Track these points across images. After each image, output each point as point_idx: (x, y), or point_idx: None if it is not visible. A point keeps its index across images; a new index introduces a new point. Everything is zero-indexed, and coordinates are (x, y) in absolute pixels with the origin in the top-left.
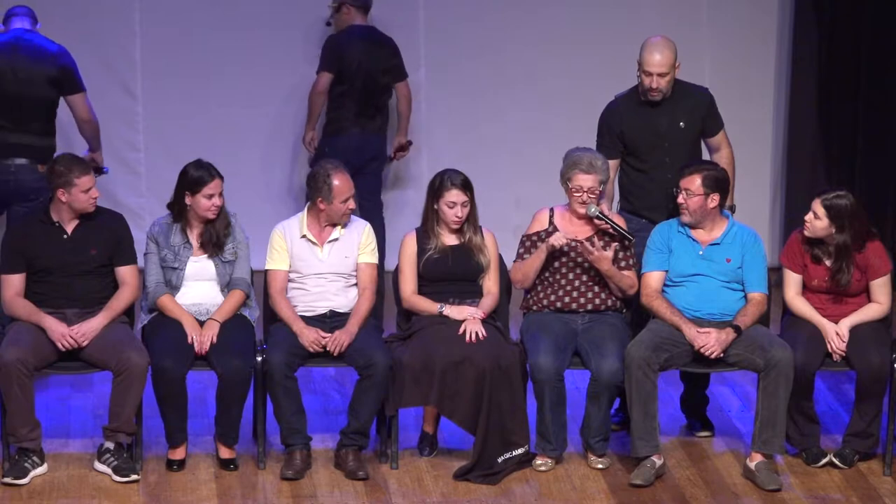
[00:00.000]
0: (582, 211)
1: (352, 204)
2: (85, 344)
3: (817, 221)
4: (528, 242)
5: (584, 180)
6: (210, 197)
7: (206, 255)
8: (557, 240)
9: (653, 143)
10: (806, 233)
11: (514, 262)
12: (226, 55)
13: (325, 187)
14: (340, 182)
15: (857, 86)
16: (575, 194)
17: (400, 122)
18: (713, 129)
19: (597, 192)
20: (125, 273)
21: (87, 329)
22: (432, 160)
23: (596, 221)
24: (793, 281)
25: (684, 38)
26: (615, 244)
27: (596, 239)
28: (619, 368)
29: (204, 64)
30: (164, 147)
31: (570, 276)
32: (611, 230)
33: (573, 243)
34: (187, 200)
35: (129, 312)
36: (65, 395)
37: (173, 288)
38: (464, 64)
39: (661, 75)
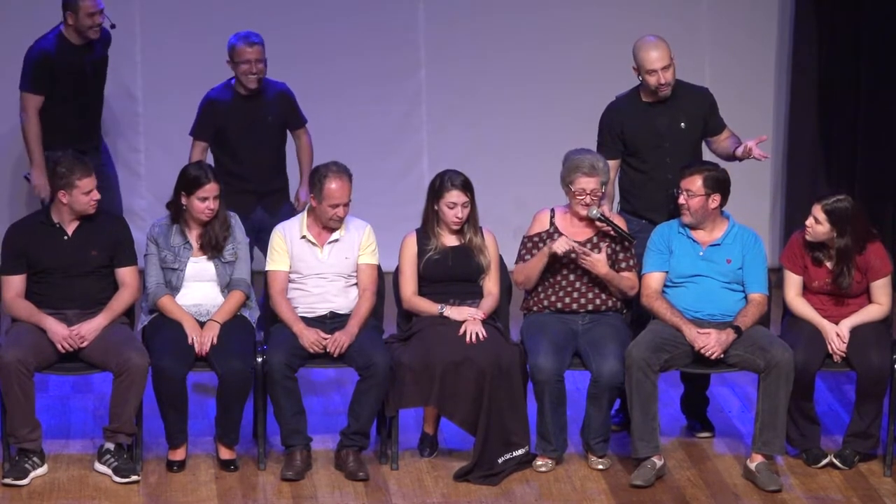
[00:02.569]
0: (584, 213)
1: (341, 212)
2: (85, 345)
3: (818, 226)
4: (530, 244)
5: (587, 183)
6: (204, 200)
7: (205, 256)
8: (560, 247)
9: (653, 143)
10: (807, 237)
11: (516, 263)
12: (226, 56)
13: (319, 186)
14: (334, 186)
15: (858, 87)
16: (577, 197)
17: None
18: (717, 128)
19: (599, 193)
20: (125, 274)
21: (87, 329)
22: (432, 161)
23: (597, 223)
24: (793, 282)
25: (684, 39)
26: (607, 244)
27: (577, 247)
28: (619, 369)
29: (204, 64)
30: (165, 148)
31: (571, 276)
32: (612, 232)
33: (576, 246)
34: (183, 200)
35: (129, 313)
36: (65, 396)
37: (173, 289)
38: (464, 64)
39: (665, 68)
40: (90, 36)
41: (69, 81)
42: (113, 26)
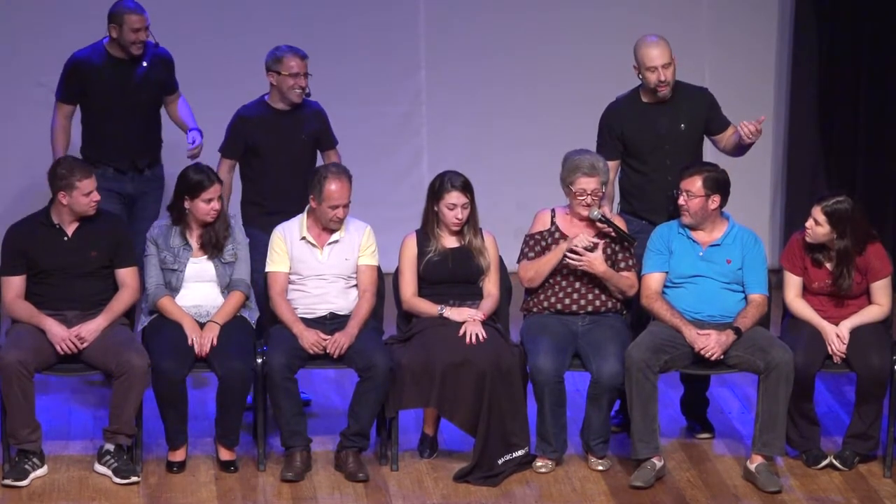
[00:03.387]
0: (585, 213)
1: (340, 213)
2: (85, 346)
3: (818, 228)
4: (532, 241)
5: (588, 183)
6: (209, 201)
7: (205, 257)
8: (581, 241)
9: (653, 144)
10: (807, 239)
11: (521, 261)
12: (227, 57)
13: (318, 187)
14: (334, 187)
15: (858, 86)
16: (579, 198)
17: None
18: (721, 126)
19: (600, 193)
20: (125, 275)
21: (87, 331)
22: (432, 162)
23: (598, 224)
24: (793, 283)
25: (684, 38)
26: (606, 243)
27: (568, 255)
28: (619, 370)
29: (205, 66)
30: (166, 150)
31: (571, 277)
32: (612, 233)
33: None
34: (186, 204)
35: (129, 314)
36: (65, 397)
37: (173, 290)
38: (464, 64)
39: (665, 66)
40: (133, 52)
41: (105, 95)
42: (157, 44)
